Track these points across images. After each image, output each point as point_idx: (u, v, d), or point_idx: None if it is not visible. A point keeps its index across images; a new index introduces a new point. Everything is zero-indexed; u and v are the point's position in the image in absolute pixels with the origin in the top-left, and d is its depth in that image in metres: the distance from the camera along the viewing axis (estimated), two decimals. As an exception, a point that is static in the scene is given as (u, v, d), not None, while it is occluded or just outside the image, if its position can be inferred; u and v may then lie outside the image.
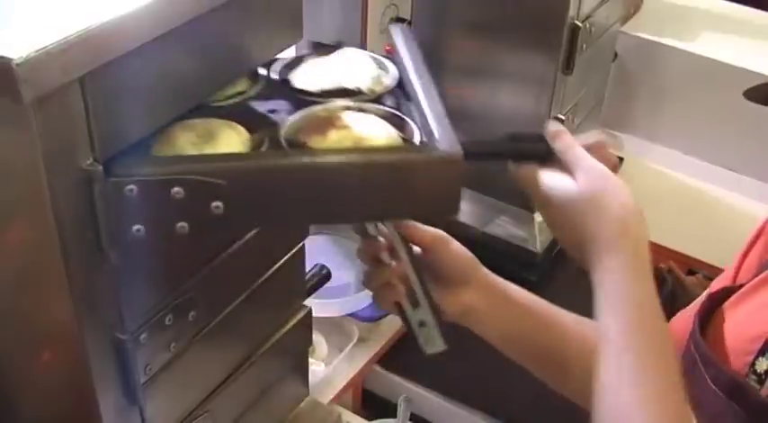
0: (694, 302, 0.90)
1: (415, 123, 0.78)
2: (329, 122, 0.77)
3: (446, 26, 1.60)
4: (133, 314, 0.75)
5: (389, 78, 0.85)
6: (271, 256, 0.94)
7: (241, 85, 0.82)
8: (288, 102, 0.81)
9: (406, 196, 0.73)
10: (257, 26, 0.77)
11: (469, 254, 0.89)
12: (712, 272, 1.60)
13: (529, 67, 1.53)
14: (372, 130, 0.76)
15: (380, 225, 0.85)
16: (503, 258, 0.95)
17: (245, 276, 0.91)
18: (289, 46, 0.83)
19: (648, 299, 0.71)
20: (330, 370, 1.38)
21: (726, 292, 0.82)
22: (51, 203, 0.63)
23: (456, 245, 0.88)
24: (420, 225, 0.87)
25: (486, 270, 0.90)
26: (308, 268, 1.07)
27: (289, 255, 0.96)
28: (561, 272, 1.62)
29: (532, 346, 0.89)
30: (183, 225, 0.68)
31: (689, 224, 1.82)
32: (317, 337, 1.38)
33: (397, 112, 0.81)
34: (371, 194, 0.72)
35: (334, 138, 0.74)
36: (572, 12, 1.46)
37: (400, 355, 1.49)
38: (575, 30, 1.47)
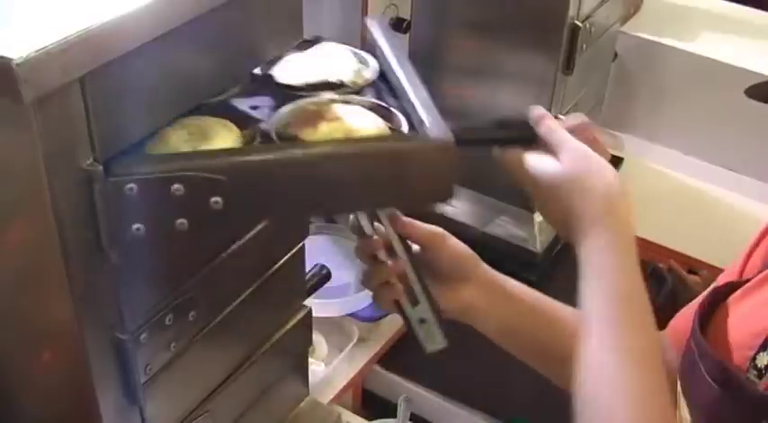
0: (697, 299, 0.90)
1: (402, 114, 0.79)
2: (318, 115, 0.77)
3: (446, 26, 1.60)
4: (133, 314, 0.75)
5: (370, 71, 0.85)
6: (271, 256, 0.94)
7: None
8: (272, 97, 0.81)
9: (402, 184, 0.74)
10: (257, 26, 0.78)
11: (468, 250, 0.89)
12: (712, 272, 1.60)
13: (529, 67, 1.53)
14: (361, 122, 0.77)
15: (377, 223, 0.85)
16: (503, 258, 0.95)
17: (246, 276, 0.91)
18: (289, 46, 0.83)
19: (632, 274, 0.73)
20: (330, 370, 1.38)
21: (730, 287, 0.82)
22: (51, 203, 0.63)
23: (454, 241, 0.88)
24: (418, 222, 0.87)
25: (485, 266, 0.90)
26: (308, 268, 1.07)
27: (289, 255, 0.96)
28: (561, 272, 1.62)
29: (533, 342, 0.89)
30: (182, 222, 0.68)
31: (689, 224, 1.82)
32: (317, 337, 1.38)
33: (383, 104, 0.81)
34: (369, 184, 0.73)
35: (325, 130, 0.75)
36: (572, 12, 1.46)
37: (400, 355, 1.49)
38: (575, 30, 1.47)
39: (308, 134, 0.75)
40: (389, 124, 0.78)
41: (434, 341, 0.86)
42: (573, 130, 0.79)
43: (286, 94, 0.81)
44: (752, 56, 1.86)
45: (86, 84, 0.61)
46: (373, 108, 0.81)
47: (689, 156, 1.97)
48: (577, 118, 0.83)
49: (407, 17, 1.53)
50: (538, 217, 1.66)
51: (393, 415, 1.34)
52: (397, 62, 0.84)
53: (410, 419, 1.34)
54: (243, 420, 1.00)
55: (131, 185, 0.65)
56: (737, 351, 0.76)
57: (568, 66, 1.50)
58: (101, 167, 0.64)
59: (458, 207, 1.72)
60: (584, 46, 1.51)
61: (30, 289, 0.71)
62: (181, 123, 0.74)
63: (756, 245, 0.86)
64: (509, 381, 1.40)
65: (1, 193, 0.66)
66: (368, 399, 1.55)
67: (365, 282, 0.87)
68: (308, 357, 1.15)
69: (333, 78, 0.82)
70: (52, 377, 0.78)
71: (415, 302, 0.85)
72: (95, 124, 0.63)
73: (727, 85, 1.81)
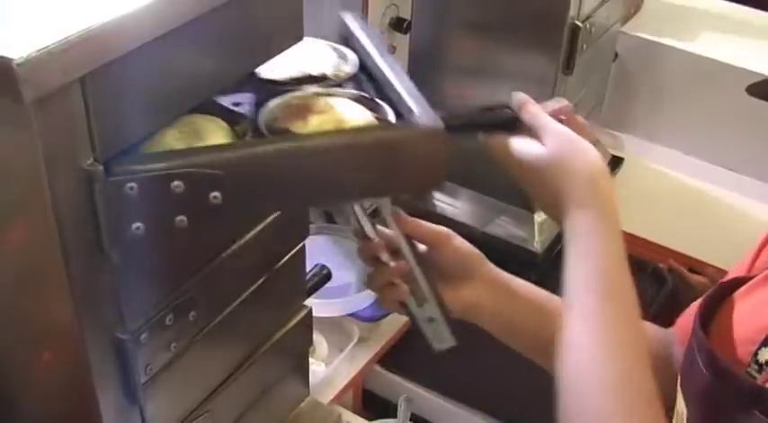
0: (704, 296, 0.90)
1: (387, 104, 0.80)
2: (306, 108, 0.78)
3: (446, 26, 1.60)
4: (133, 314, 0.75)
5: (350, 65, 0.86)
6: (271, 256, 0.94)
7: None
8: (254, 93, 0.82)
9: (396, 172, 0.76)
10: (258, 26, 0.77)
11: (474, 249, 0.90)
12: (712, 272, 1.60)
13: (529, 67, 1.53)
14: (350, 113, 0.78)
15: (380, 226, 0.85)
16: (503, 258, 0.96)
17: (246, 276, 0.91)
18: (289, 46, 0.83)
19: (615, 251, 0.75)
20: (330, 370, 1.38)
21: (736, 282, 0.82)
22: (52, 203, 0.63)
23: (460, 241, 0.89)
24: (424, 222, 0.87)
25: (491, 265, 0.90)
26: (308, 268, 1.07)
27: (289, 255, 0.96)
28: (561, 272, 1.62)
29: (539, 340, 0.90)
30: (182, 218, 0.68)
31: (689, 224, 1.82)
32: (318, 337, 1.38)
33: (367, 95, 0.82)
34: (364, 173, 0.75)
35: (315, 122, 0.76)
36: (572, 12, 1.46)
37: (401, 355, 1.49)
38: (575, 30, 1.47)
39: (299, 127, 0.76)
40: (376, 114, 0.79)
41: (443, 340, 0.86)
42: (555, 115, 0.81)
43: (269, 89, 0.82)
44: (752, 56, 1.86)
45: (87, 84, 0.61)
46: (358, 99, 0.82)
47: (689, 156, 1.97)
48: (559, 102, 0.85)
49: (408, 17, 1.53)
50: (538, 217, 1.66)
51: (393, 415, 1.34)
52: (378, 54, 0.85)
53: (410, 419, 1.34)
54: (243, 420, 1.00)
55: (132, 184, 0.65)
56: (741, 346, 0.76)
57: (569, 66, 1.50)
58: (101, 167, 0.64)
59: (458, 207, 1.72)
60: (585, 46, 1.51)
61: (30, 289, 0.71)
62: (171, 122, 0.74)
63: (766, 242, 0.86)
64: (509, 381, 1.40)
65: (1, 193, 0.66)
66: (368, 399, 1.55)
67: (369, 284, 0.88)
68: (308, 357, 1.15)
69: (315, 72, 0.83)
70: (52, 377, 0.78)
71: (421, 302, 0.85)
72: (96, 124, 0.63)
73: (727, 85, 1.81)
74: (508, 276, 0.90)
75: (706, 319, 0.79)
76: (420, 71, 1.53)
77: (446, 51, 1.61)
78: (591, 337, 0.71)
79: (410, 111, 0.77)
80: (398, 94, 0.79)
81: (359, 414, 1.36)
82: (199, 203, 0.68)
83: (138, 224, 0.67)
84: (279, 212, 0.90)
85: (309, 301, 1.08)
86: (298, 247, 0.97)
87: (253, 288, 0.92)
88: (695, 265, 1.71)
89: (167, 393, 0.84)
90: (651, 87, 1.99)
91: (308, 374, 1.15)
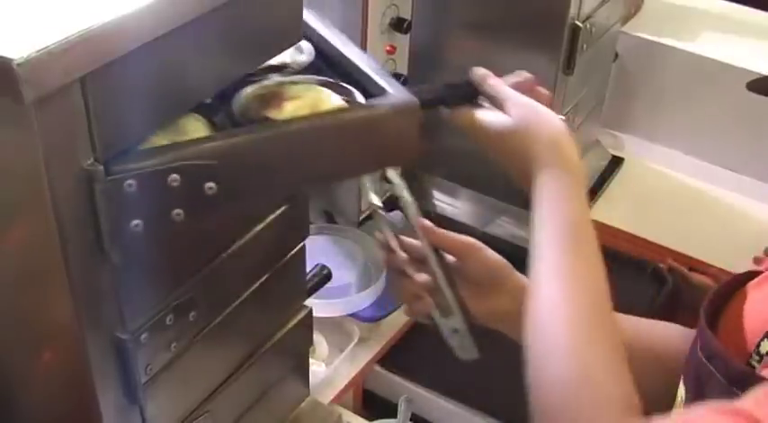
0: (718, 285, 0.90)
1: (353, 87, 0.83)
2: (278, 96, 0.79)
3: (446, 26, 1.60)
4: (134, 314, 0.75)
5: (305, 54, 0.88)
6: (271, 256, 0.94)
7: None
8: None
9: (377, 147, 0.80)
10: (258, 26, 0.78)
11: (502, 259, 0.90)
12: (713, 272, 1.60)
13: (529, 67, 1.51)
14: (320, 97, 0.80)
15: (405, 237, 0.86)
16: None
17: (246, 276, 0.91)
18: (289, 46, 0.83)
19: (581, 207, 0.79)
20: (331, 370, 1.37)
21: (749, 275, 0.82)
22: (52, 203, 0.63)
23: (489, 251, 0.90)
24: (452, 233, 0.88)
25: (519, 274, 0.91)
26: (308, 268, 1.07)
27: (289, 255, 0.97)
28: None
29: None
30: (178, 212, 0.69)
31: (689, 224, 1.81)
32: (318, 338, 1.38)
33: (331, 79, 0.84)
34: (348, 151, 0.79)
35: (289, 109, 0.78)
36: (572, 12, 1.46)
37: (401, 356, 1.49)
38: (575, 30, 1.47)
39: (276, 114, 0.78)
40: (344, 97, 0.81)
41: (467, 352, 0.87)
42: (517, 86, 0.85)
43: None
44: (752, 56, 1.86)
45: (87, 84, 0.61)
46: (324, 84, 0.84)
47: (689, 156, 1.97)
48: (520, 75, 0.88)
49: (408, 17, 1.52)
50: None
51: (394, 415, 1.34)
52: (338, 40, 0.88)
53: (411, 420, 1.34)
54: (243, 420, 1.00)
55: (131, 181, 0.65)
56: (750, 335, 0.76)
57: (569, 66, 1.50)
58: (101, 167, 0.64)
59: (458, 207, 1.72)
60: (585, 46, 1.51)
61: (30, 289, 0.71)
62: None
63: None
64: (509, 381, 1.39)
65: (1, 193, 0.66)
66: (368, 399, 1.54)
67: (395, 294, 0.89)
68: (308, 357, 1.15)
69: (275, 61, 0.85)
70: (52, 377, 0.78)
71: (447, 313, 0.85)
72: (96, 124, 0.63)
73: (727, 85, 1.81)
74: None
75: (716, 308, 0.80)
76: (420, 71, 1.52)
77: (446, 51, 1.61)
78: (556, 284, 0.74)
79: (383, 89, 0.80)
80: (367, 76, 0.83)
81: (359, 414, 1.36)
82: (195, 195, 0.69)
83: (137, 221, 0.67)
84: (279, 212, 0.91)
85: (309, 301, 1.08)
86: (298, 247, 0.97)
87: (253, 288, 0.92)
88: (695, 265, 1.71)
89: (167, 393, 0.84)
90: (651, 87, 1.98)
91: (308, 374, 1.15)
